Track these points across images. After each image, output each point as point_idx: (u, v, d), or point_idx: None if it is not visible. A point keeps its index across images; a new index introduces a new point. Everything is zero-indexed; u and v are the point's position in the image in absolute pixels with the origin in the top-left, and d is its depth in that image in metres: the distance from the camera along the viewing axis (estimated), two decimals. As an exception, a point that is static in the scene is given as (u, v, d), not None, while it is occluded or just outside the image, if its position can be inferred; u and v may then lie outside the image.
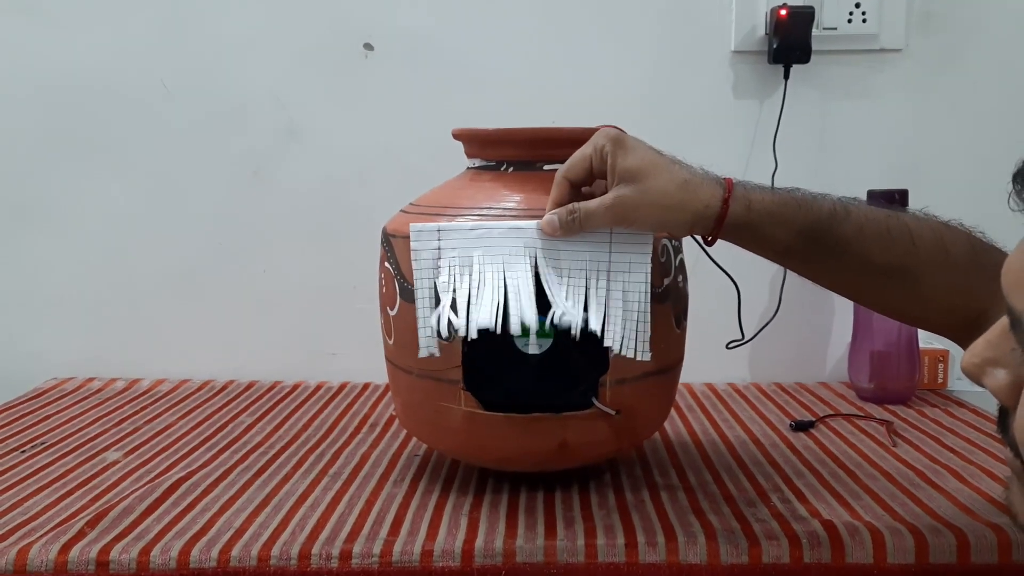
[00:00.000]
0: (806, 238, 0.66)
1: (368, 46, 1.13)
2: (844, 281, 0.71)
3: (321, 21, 1.13)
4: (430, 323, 0.68)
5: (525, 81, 1.13)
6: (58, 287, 1.18)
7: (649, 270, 0.68)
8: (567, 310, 0.66)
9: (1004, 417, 0.48)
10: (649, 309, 0.68)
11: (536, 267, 0.68)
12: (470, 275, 0.68)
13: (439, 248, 0.69)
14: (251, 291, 1.18)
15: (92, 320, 1.19)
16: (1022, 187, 0.43)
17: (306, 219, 1.16)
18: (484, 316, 0.65)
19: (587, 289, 0.68)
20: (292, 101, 1.14)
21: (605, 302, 0.68)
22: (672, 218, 0.66)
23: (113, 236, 1.17)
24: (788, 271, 1.07)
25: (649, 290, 0.68)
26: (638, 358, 0.68)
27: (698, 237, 0.71)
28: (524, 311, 0.66)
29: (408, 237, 0.70)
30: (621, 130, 0.69)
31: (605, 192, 0.67)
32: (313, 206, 1.16)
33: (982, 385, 0.48)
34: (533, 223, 0.69)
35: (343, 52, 1.13)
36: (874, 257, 0.66)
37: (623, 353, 0.68)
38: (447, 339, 0.69)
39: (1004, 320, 0.46)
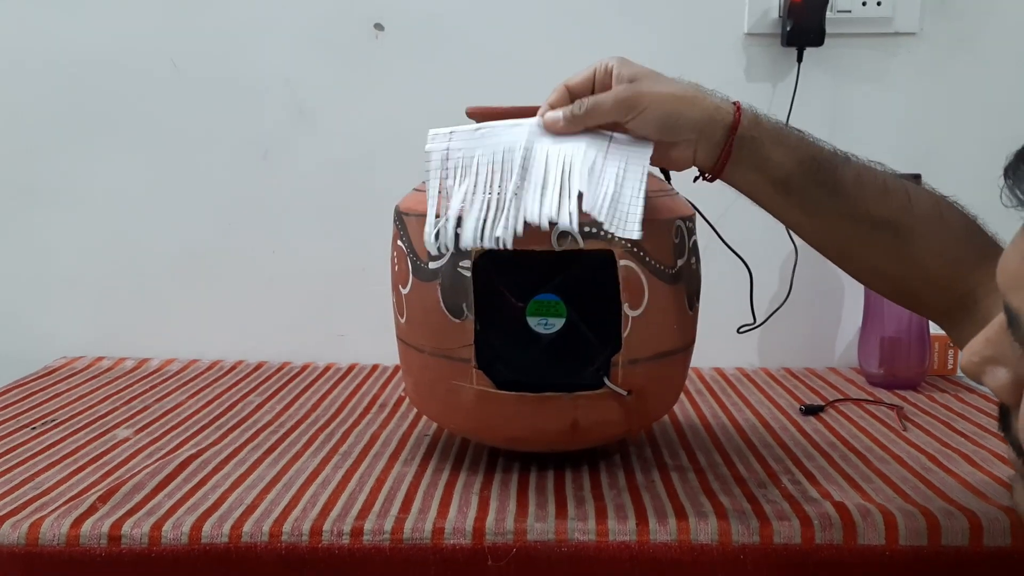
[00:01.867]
0: (807, 169, 0.66)
1: (378, 26, 1.13)
2: (836, 231, 0.68)
3: (331, 1, 1.12)
4: (434, 225, 0.67)
5: (536, 61, 1.12)
6: (68, 267, 1.18)
7: (646, 167, 0.66)
8: (533, 213, 0.64)
9: (1005, 416, 0.48)
10: (644, 192, 0.65)
11: (532, 157, 0.67)
12: (468, 179, 0.68)
13: (448, 149, 0.69)
14: (260, 272, 1.18)
15: (102, 300, 1.19)
16: (1014, 182, 0.41)
17: (316, 200, 1.16)
18: (468, 234, 0.65)
19: (580, 171, 0.66)
20: (302, 82, 1.14)
21: (598, 179, 0.65)
22: (683, 111, 0.65)
23: (123, 216, 1.17)
24: (800, 254, 1.08)
25: (646, 176, 0.66)
26: (628, 235, 0.64)
27: (720, 211, 0.70)
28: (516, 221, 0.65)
29: (421, 216, 0.69)
30: None
31: None
32: (323, 187, 1.16)
33: (982, 384, 0.47)
34: (535, 120, 0.69)
35: (353, 32, 1.13)
36: (869, 206, 0.66)
37: (611, 227, 0.64)
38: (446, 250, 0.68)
39: (1001, 317, 0.45)
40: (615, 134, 0.68)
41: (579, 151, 0.67)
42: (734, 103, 0.66)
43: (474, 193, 0.67)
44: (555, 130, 0.67)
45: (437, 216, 0.67)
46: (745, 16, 1.10)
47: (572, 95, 0.68)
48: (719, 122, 0.65)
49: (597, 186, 0.65)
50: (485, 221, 0.65)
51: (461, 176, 0.68)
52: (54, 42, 1.14)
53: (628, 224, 0.64)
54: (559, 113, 0.67)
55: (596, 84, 0.67)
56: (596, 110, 0.66)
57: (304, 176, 1.15)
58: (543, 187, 0.65)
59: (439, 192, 0.68)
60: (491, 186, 0.67)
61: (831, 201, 0.66)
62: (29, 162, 1.17)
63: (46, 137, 1.16)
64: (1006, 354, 0.45)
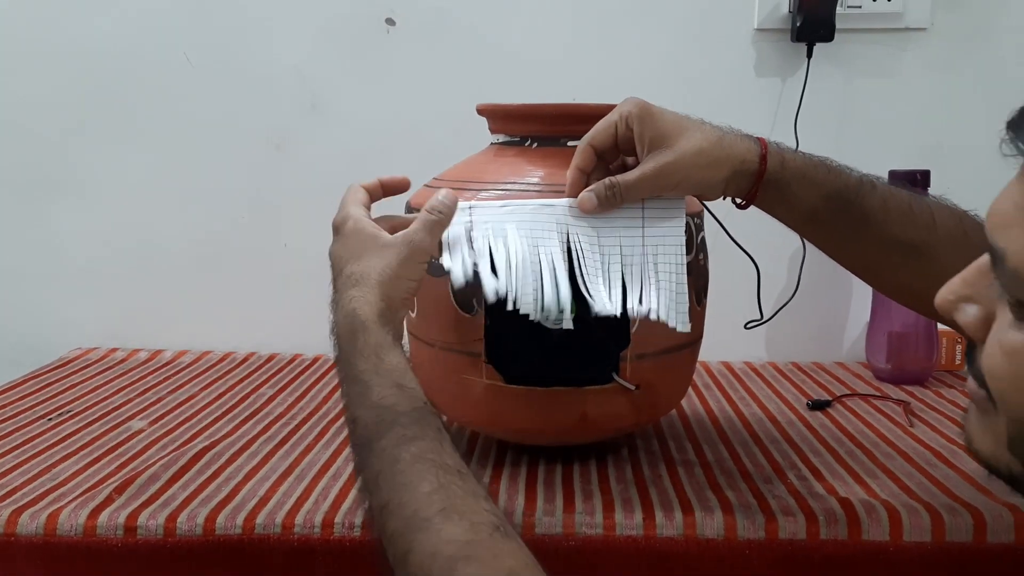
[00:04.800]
0: (833, 203, 0.67)
1: (390, 21, 1.13)
2: (863, 255, 0.71)
3: (343, -5, 1.13)
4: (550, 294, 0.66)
5: (547, 56, 1.13)
6: (82, 259, 1.20)
7: (684, 242, 0.68)
8: (603, 304, 0.65)
9: (971, 351, 0.50)
10: (685, 281, 0.67)
11: (568, 245, 0.67)
12: (505, 244, 0.67)
13: (471, 221, 0.68)
14: (272, 265, 1.19)
15: (116, 291, 1.20)
16: (1015, 135, 0.43)
17: (328, 194, 1.15)
18: (527, 301, 0.65)
19: (622, 266, 0.68)
20: (315, 76, 1.15)
21: (641, 277, 0.67)
22: (710, 176, 0.66)
23: (137, 209, 1.18)
24: (807, 249, 1.08)
25: (684, 261, 0.68)
26: (678, 328, 0.66)
27: (727, 208, 0.71)
28: (561, 293, 0.65)
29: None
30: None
31: (626, 167, 0.68)
32: (335, 181, 1.14)
33: (953, 322, 0.49)
34: (564, 200, 0.68)
35: (365, 27, 1.13)
36: (895, 232, 0.67)
37: (665, 320, 0.66)
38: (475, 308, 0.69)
39: (983, 259, 0.48)
40: (646, 208, 0.68)
41: (615, 239, 0.68)
42: (761, 144, 0.67)
43: (514, 261, 0.66)
44: (589, 211, 0.67)
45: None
46: (755, 11, 1.10)
47: (597, 152, 0.69)
48: (745, 173, 0.66)
49: (640, 289, 0.67)
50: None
51: (494, 243, 0.67)
52: (69, 34, 1.15)
53: (671, 315, 0.66)
54: (594, 197, 0.67)
55: (619, 137, 0.67)
56: (630, 193, 0.67)
57: (316, 169, 1.16)
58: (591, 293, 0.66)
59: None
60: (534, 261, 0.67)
61: (857, 229, 0.68)
62: (43, 154, 1.18)
63: (60, 129, 1.17)
64: (981, 293, 0.48)
